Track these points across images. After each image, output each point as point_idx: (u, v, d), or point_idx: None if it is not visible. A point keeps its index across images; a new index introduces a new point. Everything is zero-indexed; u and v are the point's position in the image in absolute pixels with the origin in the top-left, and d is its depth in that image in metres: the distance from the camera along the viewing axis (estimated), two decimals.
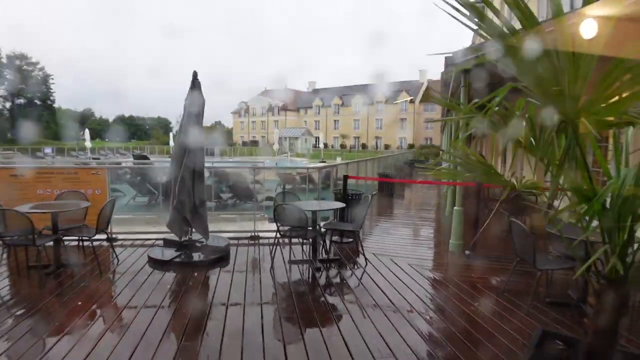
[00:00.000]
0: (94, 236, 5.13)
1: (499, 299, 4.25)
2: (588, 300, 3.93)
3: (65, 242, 5.25)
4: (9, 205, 5.31)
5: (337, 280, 5.07)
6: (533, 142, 1.97)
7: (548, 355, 2.35)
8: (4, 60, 62.59)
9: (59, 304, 4.08)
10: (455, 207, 6.12)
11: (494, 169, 2.18)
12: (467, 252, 5.94)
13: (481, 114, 1.86)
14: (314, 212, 5.35)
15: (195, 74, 5.50)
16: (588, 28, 5.23)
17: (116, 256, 5.62)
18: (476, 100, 1.94)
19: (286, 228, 5.33)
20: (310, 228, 5.27)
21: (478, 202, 6.24)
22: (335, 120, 73.99)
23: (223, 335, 3.47)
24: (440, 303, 4.35)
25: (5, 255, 4.91)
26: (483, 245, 6.12)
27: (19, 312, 3.88)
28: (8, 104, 63.31)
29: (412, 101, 64.96)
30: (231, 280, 4.82)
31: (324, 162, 28.08)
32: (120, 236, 6.53)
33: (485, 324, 3.68)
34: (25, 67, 65.08)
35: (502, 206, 7.35)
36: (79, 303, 4.10)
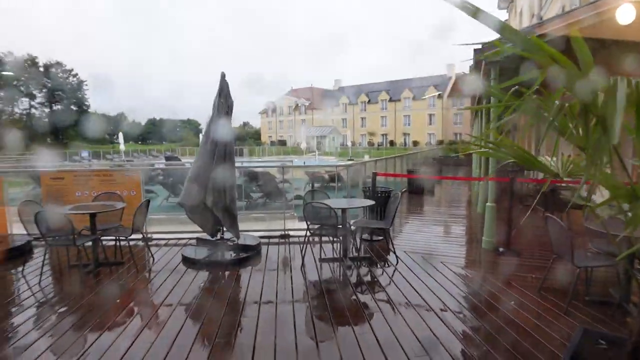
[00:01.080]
0: (130, 236, 5.29)
1: (535, 298, 4.13)
2: (632, 299, 3.77)
3: (103, 242, 5.43)
4: (50, 207, 5.54)
5: (368, 278, 5.05)
6: (573, 130, 1.88)
7: (590, 354, 2.27)
8: (42, 69, 65.28)
9: (99, 301, 4.22)
10: (487, 203, 5.98)
11: (533, 156, 2.10)
12: (500, 249, 5.80)
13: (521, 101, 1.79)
14: (343, 210, 5.34)
15: (223, 75, 5.58)
16: (625, 13, 5.03)
17: (151, 255, 5.78)
18: (515, 86, 1.87)
19: (316, 226, 5.34)
20: (340, 226, 5.26)
21: (511, 197, 6.07)
22: (362, 118, 73.67)
23: (256, 332, 3.51)
24: (474, 301, 4.26)
25: (47, 255, 5.12)
26: (517, 242, 5.96)
27: (61, 310, 4.05)
28: (47, 110, 66.05)
29: (440, 96, 63.95)
30: (263, 279, 4.87)
31: (352, 160, 28.01)
32: (154, 236, 6.71)
33: (521, 323, 3.59)
34: (61, 74, 67.75)
35: (537, 201, 7.13)
36: (118, 301, 4.25)
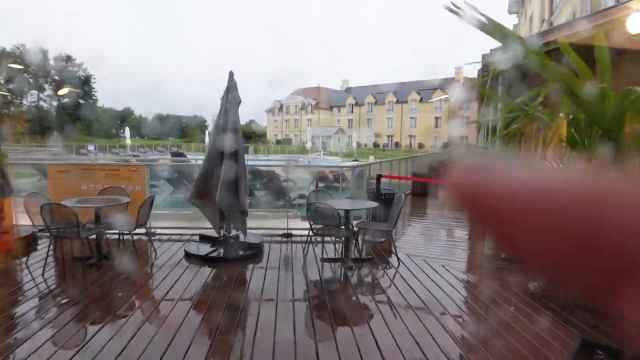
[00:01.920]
0: (133, 230, 5.32)
1: (536, 305, 4.12)
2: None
3: (107, 236, 5.47)
4: (56, 199, 5.59)
5: (369, 279, 5.06)
6: (578, 140, 1.89)
7: None
8: (52, 62, 65.81)
9: (101, 294, 4.26)
10: None
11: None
12: (503, 255, 5.79)
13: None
14: (346, 211, 5.35)
15: (231, 74, 5.61)
16: (635, 22, 5.00)
17: (154, 250, 5.82)
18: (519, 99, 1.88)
19: (319, 226, 5.35)
20: (343, 227, 5.27)
21: None
22: (368, 119, 73.59)
23: (256, 330, 3.53)
24: (474, 306, 4.27)
25: (52, 247, 5.17)
26: None
27: (63, 301, 4.09)
28: (55, 103, 66.49)
29: (447, 99, 63.77)
30: (264, 277, 4.89)
31: (357, 160, 27.98)
32: (158, 231, 6.74)
33: (521, 329, 3.58)
34: (70, 68, 68.24)
35: None
36: (119, 294, 4.27)
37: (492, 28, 1.59)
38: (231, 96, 5.55)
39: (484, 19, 1.59)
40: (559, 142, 1.93)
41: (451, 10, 1.57)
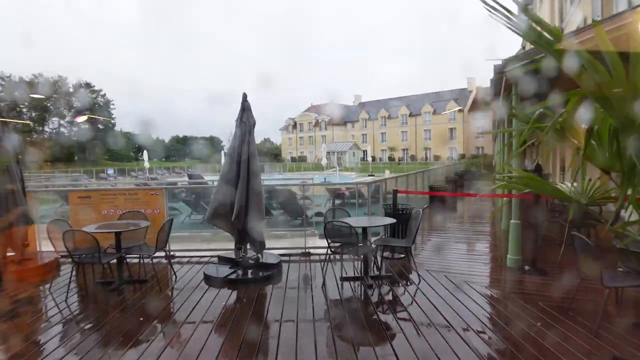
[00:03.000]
0: (153, 254, 5.37)
1: (563, 319, 4.00)
2: None
3: (128, 260, 5.52)
4: (77, 225, 5.70)
5: (390, 297, 4.99)
6: (596, 149, 1.83)
7: None
8: (71, 89, 67.93)
9: (123, 319, 4.29)
10: (512, 220, 5.87)
11: (552, 185, 2.06)
12: (526, 267, 5.66)
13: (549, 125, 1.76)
14: (364, 229, 5.32)
15: (245, 96, 5.69)
16: None
17: (174, 273, 5.85)
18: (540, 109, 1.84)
19: (337, 244, 5.33)
20: (361, 244, 5.23)
21: (537, 214, 5.95)
22: (382, 133, 73.55)
23: (277, 352, 3.50)
24: (498, 322, 4.17)
25: (74, 273, 5.24)
26: (544, 261, 5.81)
27: (87, 327, 4.12)
28: (75, 129, 68.31)
29: (461, 110, 63.44)
30: (284, 297, 4.87)
31: (373, 175, 27.93)
32: (177, 254, 6.79)
33: (548, 345, 3.48)
34: (89, 94, 70.28)
35: (563, 218, 6.96)
36: (141, 319, 4.30)
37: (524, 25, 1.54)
38: (245, 117, 5.63)
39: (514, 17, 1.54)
40: (577, 154, 1.88)
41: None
